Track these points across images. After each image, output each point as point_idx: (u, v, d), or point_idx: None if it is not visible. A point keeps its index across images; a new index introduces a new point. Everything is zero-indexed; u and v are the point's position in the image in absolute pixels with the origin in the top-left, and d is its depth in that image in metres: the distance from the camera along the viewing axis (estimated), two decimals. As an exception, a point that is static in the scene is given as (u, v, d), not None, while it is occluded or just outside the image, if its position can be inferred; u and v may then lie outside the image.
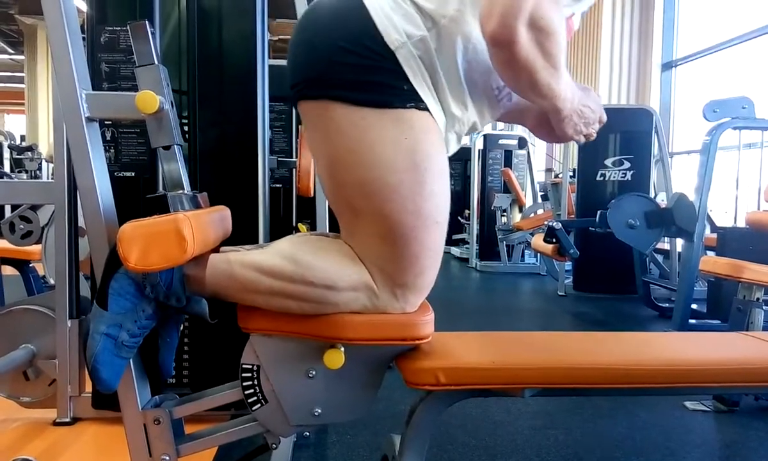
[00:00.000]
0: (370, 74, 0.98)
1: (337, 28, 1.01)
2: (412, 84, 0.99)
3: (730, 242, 3.37)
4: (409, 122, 1.00)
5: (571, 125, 1.10)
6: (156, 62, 1.14)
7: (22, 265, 3.16)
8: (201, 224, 1.03)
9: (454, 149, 1.12)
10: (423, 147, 1.01)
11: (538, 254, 6.31)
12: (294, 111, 3.32)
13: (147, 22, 1.15)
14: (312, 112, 1.05)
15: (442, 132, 1.05)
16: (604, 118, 1.15)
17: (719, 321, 3.39)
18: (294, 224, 3.27)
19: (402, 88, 0.99)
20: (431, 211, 1.03)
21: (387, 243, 1.03)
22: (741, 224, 3.69)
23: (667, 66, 7.51)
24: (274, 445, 1.16)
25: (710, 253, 3.48)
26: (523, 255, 6.84)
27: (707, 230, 3.53)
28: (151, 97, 1.10)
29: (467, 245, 7.40)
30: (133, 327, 1.05)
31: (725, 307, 3.14)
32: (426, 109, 1.01)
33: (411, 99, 1.00)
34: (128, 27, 1.16)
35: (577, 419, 2.16)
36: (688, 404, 2.31)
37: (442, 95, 1.03)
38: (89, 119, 1.11)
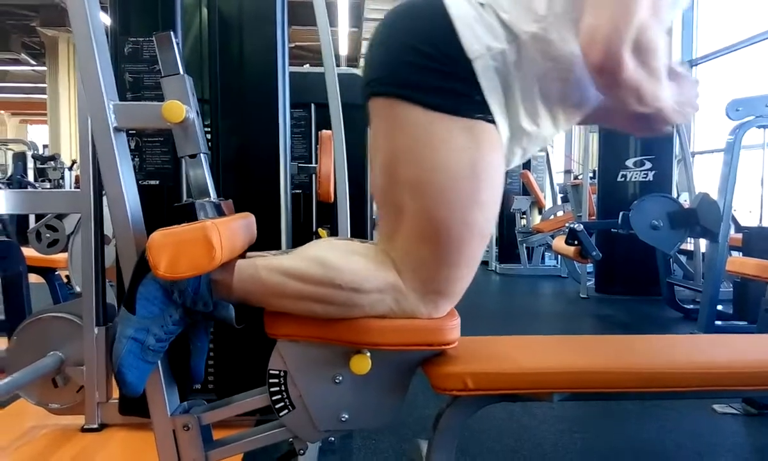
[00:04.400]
0: (443, 80, 0.99)
1: (417, 30, 1.02)
2: (485, 96, 1.00)
3: (755, 242, 3.31)
4: (474, 132, 1.00)
5: (672, 116, 1.09)
6: (181, 72, 1.16)
7: (47, 273, 3.22)
8: (228, 231, 1.04)
9: (517, 162, 1.12)
10: (484, 159, 1.01)
11: (559, 257, 6.26)
12: (314, 117, 3.33)
13: (172, 32, 1.17)
14: (380, 109, 1.05)
15: (505, 147, 1.05)
16: (698, 95, 1.14)
17: (746, 323, 3.34)
18: (314, 229, 3.27)
19: (473, 98, 0.99)
20: (479, 222, 1.03)
21: (428, 247, 1.03)
22: (767, 223, 3.63)
23: (688, 64, 7.42)
24: (301, 451, 1.17)
25: (735, 253, 3.43)
26: (543, 258, 6.79)
27: (732, 230, 3.47)
28: (178, 107, 1.12)
29: (487, 248, 7.36)
30: (160, 332, 1.06)
31: (752, 308, 3.09)
32: (493, 122, 1.01)
33: (480, 110, 1.00)
34: (154, 38, 1.18)
35: (604, 423, 2.13)
36: (716, 407, 2.27)
37: (513, 110, 1.03)
38: (117, 129, 1.12)
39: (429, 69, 0.99)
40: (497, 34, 1.00)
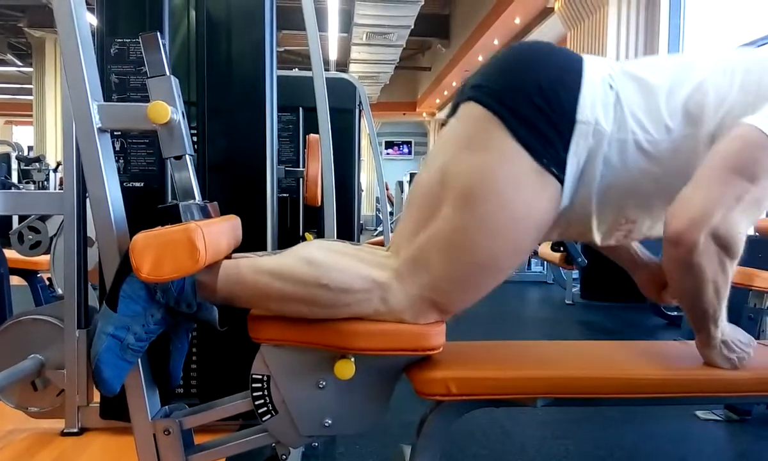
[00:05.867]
0: (543, 123, 1.01)
1: (549, 72, 1.04)
2: (567, 157, 1.02)
3: (739, 250, 3.34)
4: (544, 182, 1.02)
5: (718, 354, 1.11)
6: (167, 73, 1.15)
7: (29, 275, 3.18)
8: (212, 233, 1.03)
9: (553, 236, 1.16)
10: (540, 213, 1.03)
11: (545, 263, 6.29)
12: (302, 121, 3.33)
13: (158, 33, 1.16)
14: (473, 116, 1.06)
15: (558, 210, 1.06)
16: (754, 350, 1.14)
17: (729, 330, 3.36)
18: (301, 233, 3.27)
19: (558, 153, 1.01)
20: (505, 265, 1.06)
21: (448, 260, 1.03)
22: (750, 231, 3.67)
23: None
24: (283, 456, 1.16)
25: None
26: (529, 264, 6.81)
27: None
28: (163, 108, 1.11)
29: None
30: (141, 331, 1.05)
31: (735, 315, 3.11)
32: (562, 183, 1.03)
33: (558, 166, 1.02)
34: (140, 38, 1.17)
35: (588, 429, 2.14)
36: (699, 413, 2.29)
37: (579, 186, 1.05)
38: (101, 130, 1.11)
39: (539, 109, 1.01)
40: (609, 116, 1.03)
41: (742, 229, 1.00)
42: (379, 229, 10.50)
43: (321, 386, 1.10)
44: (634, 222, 1.12)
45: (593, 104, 1.02)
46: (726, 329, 1.11)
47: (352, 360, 1.07)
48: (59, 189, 1.87)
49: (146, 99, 1.16)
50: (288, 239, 2.38)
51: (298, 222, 3.31)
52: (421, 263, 1.04)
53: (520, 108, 1.01)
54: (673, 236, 0.99)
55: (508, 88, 1.04)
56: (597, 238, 1.13)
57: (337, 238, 2.11)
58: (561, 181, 1.03)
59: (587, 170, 1.04)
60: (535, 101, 1.01)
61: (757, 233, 3.21)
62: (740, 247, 1.01)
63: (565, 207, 1.07)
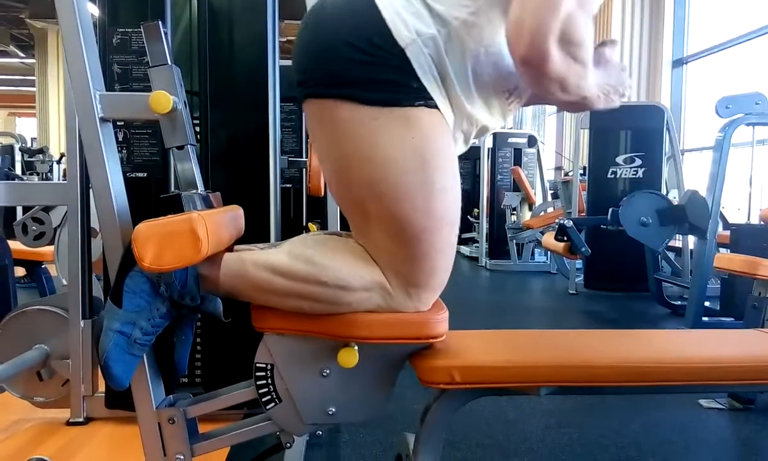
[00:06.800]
0: (378, 72, 0.97)
1: (346, 24, 1.00)
2: (422, 81, 0.98)
3: (743, 239, 3.34)
4: (417, 120, 0.99)
5: (596, 103, 1.07)
6: (169, 62, 1.15)
7: (34, 266, 3.19)
8: (215, 223, 1.03)
9: (461, 149, 1.11)
10: (432, 145, 1.00)
11: (549, 253, 6.29)
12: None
13: (160, 22, 1.16)
14: (318, 112, 1.03)
15: (451, 129, 1.04)
16: (628, 85, 1.12)
17: (733, 319, 3.36)
18: (304, 223, 3.27)
19: (411, 86, 0.98)
20: (441, 210, 1.02)
21: (398, 244, 1.02)
22: (754, 220, 3.66)
23: (678, 63, 7.47)
24: (288, 444, 1.16)
25: (723, 250, 3.46)
26: (533, 254, 6.82)
27: (720, 228, 3.50)
28: (165, 98, 1.11)
29: (477, 244, 7.38)
30: (147, 325, 1.05)
31: (739, 304, 3.11)
32: (435, 106, 1.00)
33: (420, 97, 0.98)
34: (141, 28, 1.17)
35: (591, 418, 2.15)
36: (702, 402, 2.29)
37: (452, 93, 1.02)
38: (103, 120, 1.11)
39: (363, 63, 0.97)
40: (426, 20, 0.98)
41: (582, 22, 0.96)
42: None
43: (324, 374, 1.10)
44: (517, 87, 1.08)
45: (404, 22, 0.97)
46: (600, 80, 1.07)
47: (356, 348, 1.07)
48: (63, 180, 1.88)
49: (149, 89, 1.16)
50: (292, 229, 2.38)
51: (302, 213, 3.31)
52: (385, 259, 1.04)
53: (348, 76, 0.97)
54: (521, 59, 0.94)
55: (326, 68, 1.00)
56: (499, 123, 1.10)
57: (341, 229, 2.11)
58: (434, 106, 0.99)
59: (444, 77, 1.00)
60: (356, 59, 0.97)
61: (762, 222, 3.21)
62: (586, 39, 0.97)
63: (456, 121, 1.04)
